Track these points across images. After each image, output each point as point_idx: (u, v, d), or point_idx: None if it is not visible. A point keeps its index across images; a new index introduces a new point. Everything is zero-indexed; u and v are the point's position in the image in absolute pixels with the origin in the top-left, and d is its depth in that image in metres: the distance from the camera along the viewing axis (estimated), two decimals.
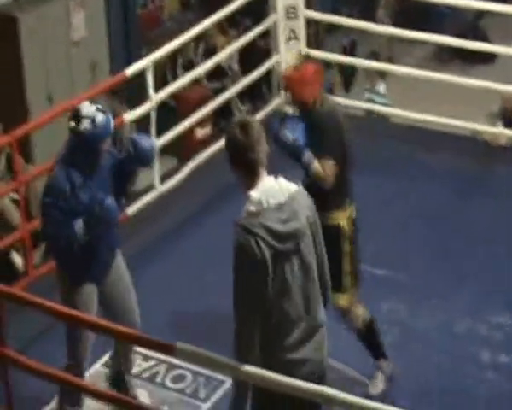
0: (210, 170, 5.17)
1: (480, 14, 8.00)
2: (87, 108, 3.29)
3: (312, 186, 3.17)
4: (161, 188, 5.00)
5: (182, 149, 6.21)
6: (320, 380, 2.70)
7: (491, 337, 4.03)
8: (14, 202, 5.40)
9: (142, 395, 3.68)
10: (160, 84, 5.62)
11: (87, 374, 3.58)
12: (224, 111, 7.05)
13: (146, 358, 3.90)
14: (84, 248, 3.33)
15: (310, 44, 5.85)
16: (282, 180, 2.67)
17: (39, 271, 4.45)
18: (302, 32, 5.65)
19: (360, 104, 6.30)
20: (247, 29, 6.42)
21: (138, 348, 3.68)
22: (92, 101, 3.45)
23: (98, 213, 3.27)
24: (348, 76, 7.91)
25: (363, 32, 6.71)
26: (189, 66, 7.19)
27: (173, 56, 7.30)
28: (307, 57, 3.61)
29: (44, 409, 3.73)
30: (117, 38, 7.19)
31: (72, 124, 3.29)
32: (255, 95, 7.32)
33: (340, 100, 6.27)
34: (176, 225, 4.85)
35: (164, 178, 5.03)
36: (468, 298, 4.27)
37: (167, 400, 3.69)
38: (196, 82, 6.75)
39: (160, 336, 3.02)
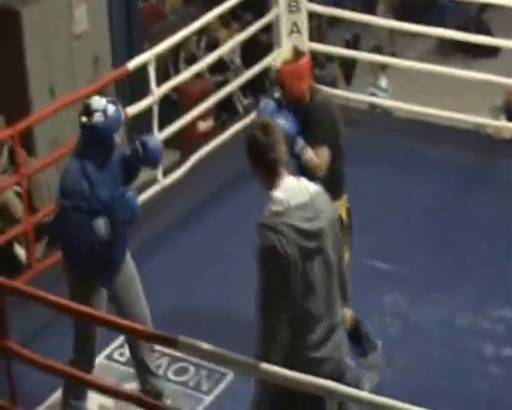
0: (212, 163, 5.17)
1: (483, 7, 7.97)
2: (98, 101, 3.27)
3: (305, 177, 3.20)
4: (164, 181, 5.00)
5: (184, 142, 6.21)
6: (340, 379, 2.71)
7: (493, 331, 4.03)
8: (17, 194, 5.41)
9: (135, 386, 3.67)
10: (162, 77, 5.61)
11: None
12: (226, 105, 7.04)
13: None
14: (102, 249, 3.28)
15: (312, 38, 5.84)
16: (303, 180, 2.71)
17: (42, 264, 4.46)
18: (304, 26, 5.64)
19: (363, 98, 6.29)
20: (248, 23, 6.41)
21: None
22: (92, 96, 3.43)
23: (120, 207, 3.23)
24: (348, 69, 7.90)
25: (365, 25, 6.70)
26: (192, 59, 7.18)
27: (175, 50, 7.29)
28: (299, 51, 3.51)
29: (47, 402, 3.75)
30: (119, 31, 7.17)
31: (85, 119, 3.26)
32: (257, 88, 7.30)
33: (343, 93, 6.28)
34: (178, 219, 4.86)
35: (166, 172, 5.03)
36: (471, 292, 4.27)
37: (170, 392, 3.69)
38: (198, 75, 6.74)
39: (162, 329, 3.03)
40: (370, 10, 7.55)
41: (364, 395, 2.64)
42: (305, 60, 3.51)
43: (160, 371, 3.71)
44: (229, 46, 5.77)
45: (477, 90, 5.97)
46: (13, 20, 6.50)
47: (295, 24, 5.63)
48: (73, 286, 3.39)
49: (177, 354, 3.68)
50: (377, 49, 7.57)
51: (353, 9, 7.10)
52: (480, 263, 4.43)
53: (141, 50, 5.83)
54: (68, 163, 3.35)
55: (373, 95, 6.94)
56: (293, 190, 2.65)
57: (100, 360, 3.90)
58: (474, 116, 5.57)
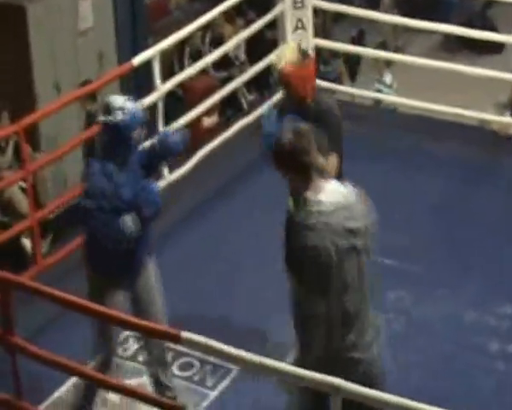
0: (217, 159, 5.16)
1: (488, 3, 7.94)
2: (117, 100, 3.27)
3: None
4: (170, 177, 4.99)
5: (189, 138, 6.19)
6: (371, 379, 2.72)
7: (498, 328, 4.01)
8: (23, 190, 5.41)
9: (140, 381, 3.67)
10: (167, 73, 5.60)
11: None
12: (230, 101, 7.03)
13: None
14: (128, 247, 3.26)
15: (317, 34, 5.82)
16: (337, 183, 2.75)
17: (48, 260, 4.46)
18: (310, 22, 5.62)
19: (367, 94, 6.27)
20: (253, 19, 6.39)
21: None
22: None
23: (143, 202, 3.21)
24: (353, 65, 7.87)
25: (370, 22, 6.67)
26: (196, 55, 7.16)
27: (180, 46, 7.27)
28: (304, 51, 3.46)
29: (52, 397, 3.75)
30: (124, 27, 7.16)
31: (106, 118, 3.26)
32: (262, 85, 7.29)
33: (348, 89, 6.26)
34: (184, 214, 4.85)
35: (172, 168, 5.03)
36: (475, 288, 4.25)
37: (175, 387, 3.68)
38: (203, 72, 6.72)
39: (168, 324, 3.02)
40: (375, 6, 7.52)
41: (370, 392, 2.62)
42: (312, 62, 3.48)
43: (174, 383, 3.65)
44: (234, 42, 5.76)
45: (482, 86, 5.95)
46: (18, 16, 6.49)
47: (300, 20, 5.61)
48: (94, 287, 3.35)
49: (182, 348, 3.67)
50: (382, 46, 7.54)
51: (358, 6, 7.07)
52: (484, 259, 4.41)
53: (145, 46, 5.82)
54: (89, 165, 3.34)
55: (378, 91, 6.92)
56: (329, 191, 2.69)
57: None
58: (479, 112, 5.54)
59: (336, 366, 2.68)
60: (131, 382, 3.69)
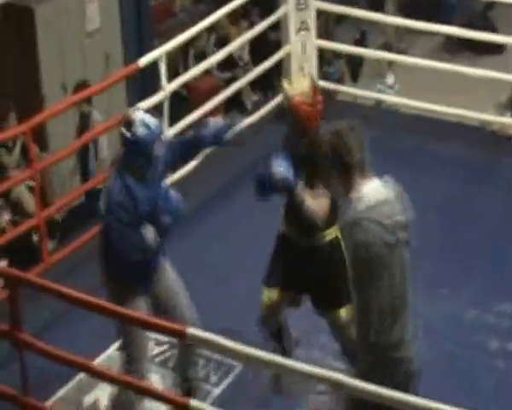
0: (222, 158, 5.15)
1: (489, 4, 7.91)
2: (139, 115, 3.25)
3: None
4: (174, 176, 4.99)
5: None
6: (412, 378, 2.76)
7: (498, 326, 4.00)
8: (30, 189, 5.42)
9: (154, 380, 3.67)
10: (172, 74, 5.60)
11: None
12: (235, 101, 7.02)
13: (159, 343, 3.90)
14: (148, 256, 3.26)
15: (319, 35, 5.81)
16: (380, 182, 2.77)
17: (54, 258, 4.47)
18: (313, 23, 5.61)
19: (369, 94, 6.26)
20: (256, 21, 6.39)
21: (151, 333, 3.67)
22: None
23: (164, 210, 3.21)
24: (355, 66, 7.86)
25: (372, 23, 6.66)
26: (201, 56, 7.16)
27: (185, 47, 7.27)
28: (315, 85, 3.40)
29: (59, 393, 3.75)
30: (130, 29, 7.17)
31: (127, 132, 3.23)
32: (266, 85, 7.28)
33: (350, 90, 6.25)
34: (188, 213, 4.84)
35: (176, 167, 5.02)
36: (476, 288, 4.23)
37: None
38: (207, 72, 6.72)
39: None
40: (377, 8, 7.50)
41: (371, 388, 2.62)
42: (321, 100, 3.40)
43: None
44: (238, 43, 5.75)
45: (483, 86, 5.93)
46: (26, 17, 6.49)
47: (303, 21, 5.61)
48: (114, 295, 3.32)
49: None
50: (386, 47, 7.52)
51: (361, 7, 7.06)
52: (485, 259, 4.40)
53: (151, 47, 5.82)
54: (110, 180, 3.31)
55: (379, 92, 6.90)
56: (374, 188, 2.72)
57: (111, 351, 3.90)
58: (480, 113, 5.53)
59: (384, 367, 2.70)
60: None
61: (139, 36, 7.25)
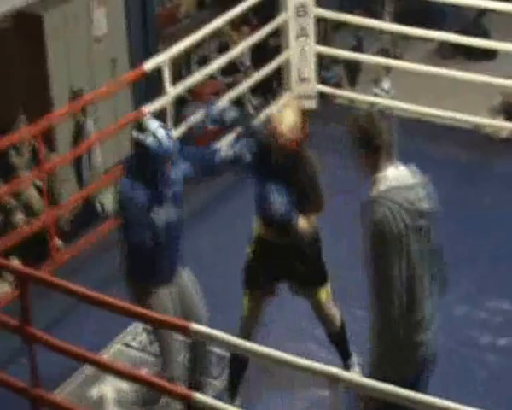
0: None
1: (482, 12, 7.92)
2: (151, 123, 3.21)
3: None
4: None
5: (195, 140, 6.21)
6: (429, 365, 2.77)
7: (489, 322, 4.01)
8: (37, 188, 5.43)
9: (149, 371, 3.68)
10: (175, 78, 5.61)
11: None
12: (236, 105, 7.02)
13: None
14: (161, 246, 3.24)
15: (318, 41, 5.82)
16: (405, 168, 2.79)
17: (63, 255, 4.48)
18: (312, 30, 5.62)
19: (366, 98, 6.26)
20: (256, 27, 6.40)
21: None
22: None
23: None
24: (353, 71, 7.87)
25: (369, 30, 6.66)
26: (204, 61, 7.17)
27: (188, 52, 7.28)
28: (303, 115, 3.33)
29: (66, 385, 3.76)
30: (136, 35, 7.18)
31: (138, 135, 3.20)
32: (266, 89, 7.29)
33: (347, 94, 6.25)
34: (191, 214, 4.85)
35: None
36: (468, 284, 4.24)
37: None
38: (210, 76, 6.73)
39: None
40: (374, 15, 7.50)
41: (368, 381, 2.62)
42: (307, 125, 3.32)
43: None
44: (240, 49, 5.76)
45: (476, 91, 5.94)
46: (35, 24, 6.52)
47: (303, 28, 5.62)
48: (139, 297, 3.32)
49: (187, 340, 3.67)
50: (382, 52, 7.52)
51: (358, 14, 7.06)
52: (478, 257, 4.41)
53: (156, 52, 5.84)
54: (120, 181, 3.29)
55: (376, 96, 6.90)
56: (398, 173, 2.74)
57: (116, 345, 3.91)
58: (474, 116, 5.54)
59: (404, 352, 2.69)
60: (142, 370, 3.70)
61: (145, 41, 7.27)
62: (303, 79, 5.76)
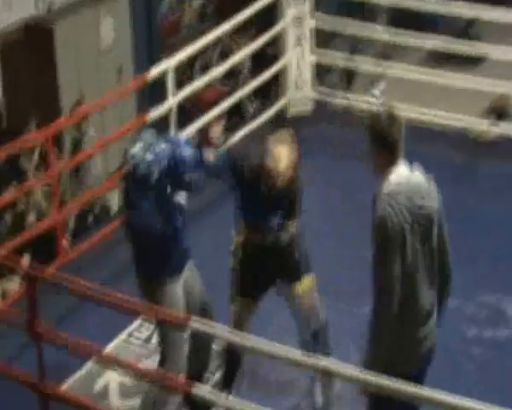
0: None
1: (472, 21, 7.90)
2: (146, 137, 3.21)
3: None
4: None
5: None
6: (430, 359, 2.76)
7: (477, 316, 3.98)
8: (45, 192, 5.43)
9: (151, 365, 3.66)
10: (177, 85, 5.61)
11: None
12: (236, 110, 7.01)
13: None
14: (170, 237, 3.23)
15: (313, 49, 5.81)
16: (411, 167, 2.79)
17: (70, 254, 4.48)
18: (307, 39, 5.62)
19: (361, 103, 6.25)
20: (255, 36, 6.40)
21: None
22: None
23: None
24: (349, 76, 7.86)
25: (363, 37, 6.65)
26: (205, 69, 7.16)
27: (190, 60, 7.27)
28: (292, 138, 3.27)
29: (71, 379, 3.76)
30: (141, 44, 7.20)
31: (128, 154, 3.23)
32: (264, 95, 7.28)
33: (342, 98, 6.25)
34: (193, 214, 4.83)
35: None
36: (459, 280, 4.21)
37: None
38: (212, 83, 6.72)
39: None
40: (370, 20, 7.49)
41: (358, 374, 2.60)
42: (298, 156, 3.26)
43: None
44: (240, 57, 5.75)
45: (465, 96, 5.92)
46: (46, 36, 6.55)
47: (299, 37, 5.62)
48: (150, 292, 3.28)
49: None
50: (378, 56, 7.50)
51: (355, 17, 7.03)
52: (468, 253, 4.38)
53: (159, 61, 5.84)
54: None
55: (370, 100, 6.88)
56: (406, 174, 2.75)
57: (120, 339, 3.90)
58: (461, 119, 5.52)
59: (405, 343, 2.69)
60: (145, 364, 3.69)
61: (149, 50, 7.28)
62: (299, 86, 5.77)
